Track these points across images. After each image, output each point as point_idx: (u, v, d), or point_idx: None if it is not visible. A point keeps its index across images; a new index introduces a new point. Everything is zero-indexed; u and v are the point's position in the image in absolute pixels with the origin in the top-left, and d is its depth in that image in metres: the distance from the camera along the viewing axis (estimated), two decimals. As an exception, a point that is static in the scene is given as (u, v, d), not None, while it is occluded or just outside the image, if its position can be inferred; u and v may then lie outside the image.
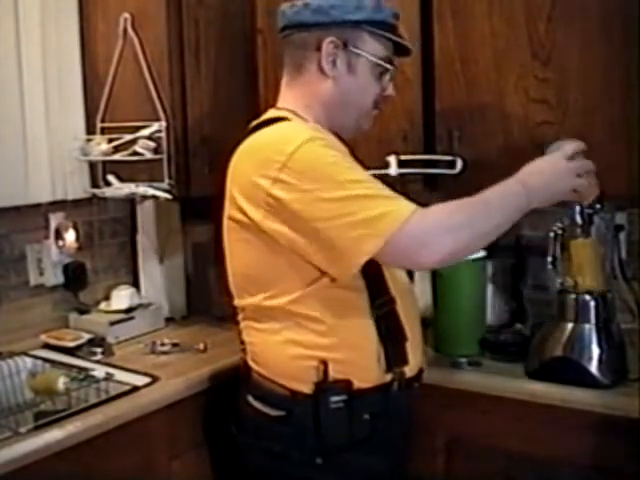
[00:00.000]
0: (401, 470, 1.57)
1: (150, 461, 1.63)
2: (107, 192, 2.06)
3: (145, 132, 1.96)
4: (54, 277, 2.12)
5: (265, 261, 1.39)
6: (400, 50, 1.52)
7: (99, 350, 1.90)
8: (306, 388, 1.38)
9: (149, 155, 1.95)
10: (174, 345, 1.94)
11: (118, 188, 2.03)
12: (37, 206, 2.05)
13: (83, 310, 2.13)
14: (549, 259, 1.72)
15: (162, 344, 1.94)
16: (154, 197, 1.99)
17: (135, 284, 2.29)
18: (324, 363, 1.37)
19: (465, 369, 1.76)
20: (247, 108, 1.95)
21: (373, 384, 1.41)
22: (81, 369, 1.75)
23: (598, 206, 1.62)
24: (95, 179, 2.10)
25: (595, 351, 1.61)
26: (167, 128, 1.95)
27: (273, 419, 1.42)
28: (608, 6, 1.63)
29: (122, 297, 2.12)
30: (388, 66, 1.49)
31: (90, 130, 2.11)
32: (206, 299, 2.25)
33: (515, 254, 2.06)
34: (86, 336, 1.95)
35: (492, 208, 1.31)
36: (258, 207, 1.33)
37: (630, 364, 1.64)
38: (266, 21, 2.04)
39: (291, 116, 1.44)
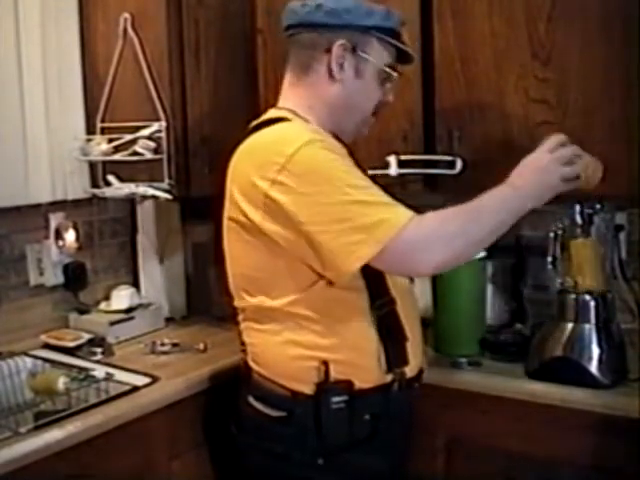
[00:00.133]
0: (401, 470, 1.58)
1: (150, 461, 1.63)
2: (107, 192, 2.06)
3: (145, 132, 1.96)
4: (54, 277, 2.11)
5: (265, 262, 1.39)
6: (402, 57, 1.52)
7: (99, 350, 1.90)
8: (307, 389, 1.39)
9: (149, 155, 1.95)
10: (174, 345, 1.94)
11: (118, 188, 2.03)
12: (37, 206, 2.05)
13: (83, 310, 2.12)
14: (549, 259, 1.72)
15: (162, 344, 1.94)
16: (154, 197, 1.99)
17: (135, 284, 2.29)
18: (325, 364, 1.37)
19: (465, 369, 1.76)
20: (247, 108, 1.95)
21: (374, 384, 1.41)
22: (81, 369, 1.75)
23: (598, 206, 1.62)
24: (95, 179, 2.10)
25: (595, 351, 1.61)
26: (167, 128, 1.95)
27: (274, 420, 1.43)
28: (608, 6, 1.63)
29: (122, 297, 2.12)
30: (393, 73, 1.49)
31: (90, 130, 2.10)
32: (206, 299, 2.25)
33: (515, 254, 2.06)
34: (86, 336, 1.95)
35: (485, 215, 1.31)
36: (257, 208, 1.34)
37: (630, 364, 1.64)
38: (266, 21, 2.04)
39: (291, 116, 1.44)
